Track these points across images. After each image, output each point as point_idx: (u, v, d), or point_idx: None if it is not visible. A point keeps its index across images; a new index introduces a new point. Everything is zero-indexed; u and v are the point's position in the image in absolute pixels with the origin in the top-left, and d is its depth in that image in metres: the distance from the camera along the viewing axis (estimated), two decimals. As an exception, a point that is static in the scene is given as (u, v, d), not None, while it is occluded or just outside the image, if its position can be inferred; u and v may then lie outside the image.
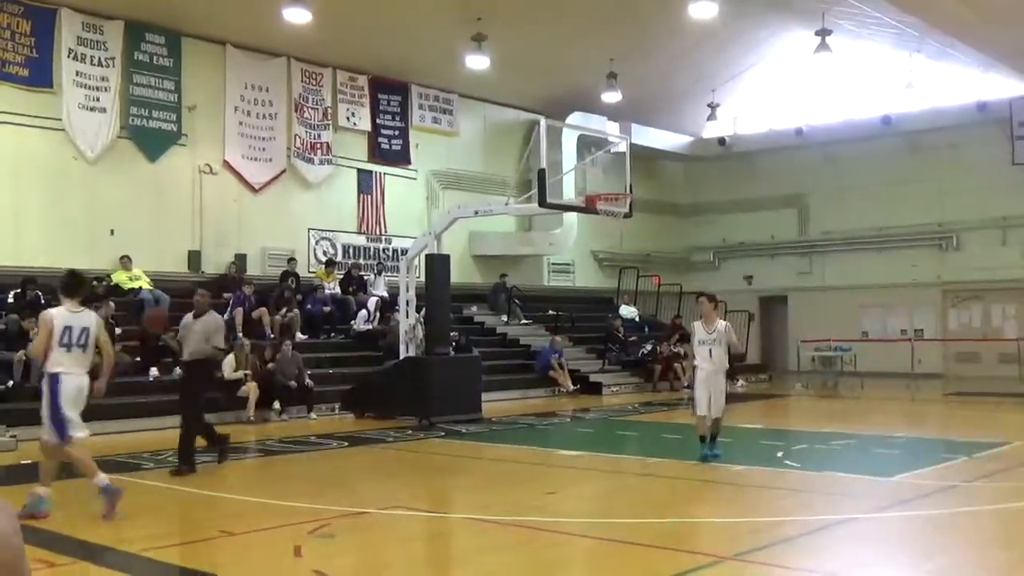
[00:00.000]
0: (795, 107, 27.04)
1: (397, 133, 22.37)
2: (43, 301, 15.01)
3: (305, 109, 20.52)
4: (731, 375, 22.62)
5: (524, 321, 22.68)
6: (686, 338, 23.17)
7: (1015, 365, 22.13)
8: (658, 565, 6.02)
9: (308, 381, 15.79)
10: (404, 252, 18.27)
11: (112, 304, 15.34)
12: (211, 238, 19.00)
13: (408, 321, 16.07)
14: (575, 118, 23.48)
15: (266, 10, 17.69)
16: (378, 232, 21.92)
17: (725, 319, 11.44)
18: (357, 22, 19.30)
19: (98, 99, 17.37)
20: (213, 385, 12.10)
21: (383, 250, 21.97)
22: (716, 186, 29.33)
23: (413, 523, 7.77)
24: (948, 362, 25.24)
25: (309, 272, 20.17)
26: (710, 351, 10.18)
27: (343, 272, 20.39)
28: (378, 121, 21.99)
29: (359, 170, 21.70)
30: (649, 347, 22.43)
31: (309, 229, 20.71)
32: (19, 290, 15.02)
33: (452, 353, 16.36)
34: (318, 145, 20.74)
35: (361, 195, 21.66)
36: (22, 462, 10.92)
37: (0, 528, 1.38)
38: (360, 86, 21.66)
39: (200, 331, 10.24)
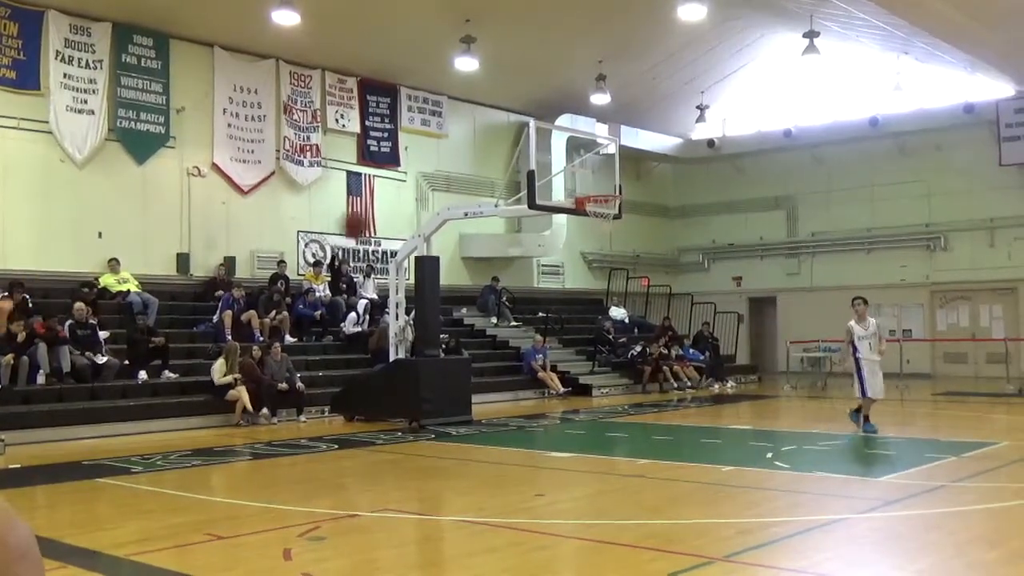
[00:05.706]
0: (784, 109, 27.14)
1: (386, 135, 22.34)
2: (31, 305, 14.98)
3: (294, 111, 20.48)
4: (720, 376, 22.99)
5: (514, 323, 22.68)
6: (676, 339, 23.43)
7: (1002, 365, 22.24)
8: (648, 566, 6.03)
9: (299, 384, 15.73)
10: (393, 254, 18.24)
11: (84, 305, 15.07)
12: (200, 241, 18.94)
13: (398, 323, 16.06)
14: (564, 120, 23.49)
15: (254, 12, 17.65)
16: (367, 234, 21.89)
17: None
18: (346, 24, 19.27)
19: (86, 101, 17.30)
20: None
21: (372, 252, 21.95)
22: (705, 188, 29.38)
23: (403, 525, 7.76)
24: (936, 362, 25.37)
25: (299, 275, 20.14)
26: (869, 344, 12.45)
27: (330, 274, 20.33)
28: (367, 123, 21.95)
29: (348, 172, 21.66)
30: (639, 348, 22.45)
31: (298, 231, 20.66)
32: (6, 293, 14.94)
33: (442, 355, 16.35)
34: (307, 147, 20.70)
35: (350, 197, 21.63)
36: (10, 466, 10.88)
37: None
38: (349, 88, 21.63)
39: None
